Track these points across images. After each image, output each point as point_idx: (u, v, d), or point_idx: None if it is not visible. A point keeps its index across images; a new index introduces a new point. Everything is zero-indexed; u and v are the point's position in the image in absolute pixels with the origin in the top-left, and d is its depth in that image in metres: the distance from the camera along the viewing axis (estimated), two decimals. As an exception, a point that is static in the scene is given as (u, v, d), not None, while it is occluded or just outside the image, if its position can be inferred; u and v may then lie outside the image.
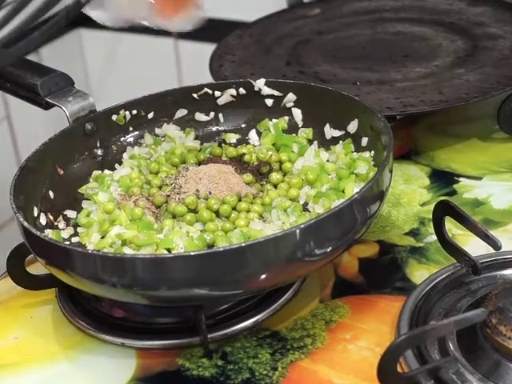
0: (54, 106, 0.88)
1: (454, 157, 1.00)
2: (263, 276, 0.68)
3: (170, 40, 1.98)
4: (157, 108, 0.92)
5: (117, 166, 0.90)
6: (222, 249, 0.66)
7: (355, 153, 0.85)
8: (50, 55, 2.00)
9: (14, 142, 1.94)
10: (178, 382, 0.72)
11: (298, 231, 0.67)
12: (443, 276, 0.77)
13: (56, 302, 0.82)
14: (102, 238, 0.78)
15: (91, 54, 2.14)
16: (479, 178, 0.95)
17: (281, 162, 0.87)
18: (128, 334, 0.76)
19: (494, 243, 0.74)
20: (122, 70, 2.10)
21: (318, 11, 1.29)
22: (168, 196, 0.82)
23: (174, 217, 0.80)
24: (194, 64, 1.95)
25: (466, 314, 0.67)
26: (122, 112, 0.91)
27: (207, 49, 1.84)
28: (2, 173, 1.90)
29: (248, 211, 0.80)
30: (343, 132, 0.88)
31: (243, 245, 0.66)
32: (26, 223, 0.72)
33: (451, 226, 0.83)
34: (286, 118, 0.92)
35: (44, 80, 0.87)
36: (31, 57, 1.88)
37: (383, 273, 0.82)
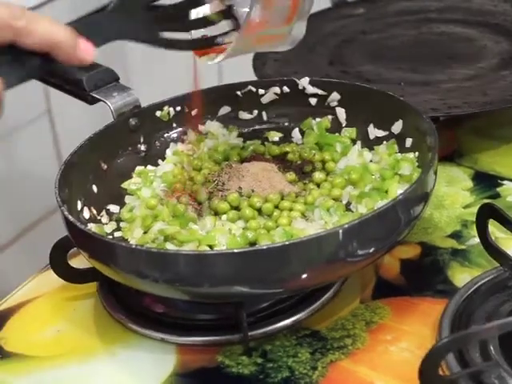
0: (98, 100, 0.88)
1: (498, 159, 0.99)
2: (305, 275, 0.68)
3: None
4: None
5: (160, 161, 0.90)
6: (265, 247, 0.66)
7: (399, 153, 0.84)
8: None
9: (55, 136, 1.96)
10: (217, 378, 0.72)
11: (341, 231, 0.67)
12: (486, 279, 0.76)
13: (97, 295, 0.82)
14: (145, 233, 0.79)
15: (132, 46, 2.14)
16: (523, 182, 0.94)
17: (324, 162, 0.87)
18: (168, 330, 0.76)
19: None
20: (163, 62, 2.11)
21: (362, 11, 1.29)
22: (211, 193, 0.83)
23: (216, 214, 0.80)
24: (234, 58, 1.95)
25: (509, 319, 0.66)
26: (166, 108, 0.91)
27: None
28: (42, 166, 1.92)
29: (290, 210, 0.80)
30: (387, 132, 0.87)
31: (286, 243, 0.66)
32: (70, 216, 0.72)
33: (494, 229, 0.82)
34: (330, 117, 0.91)
35: (90, 75, 0.88)
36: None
37: (425, 275, 0.81)
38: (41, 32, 0.61)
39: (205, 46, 0.76)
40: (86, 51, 0.65)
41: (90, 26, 0.67)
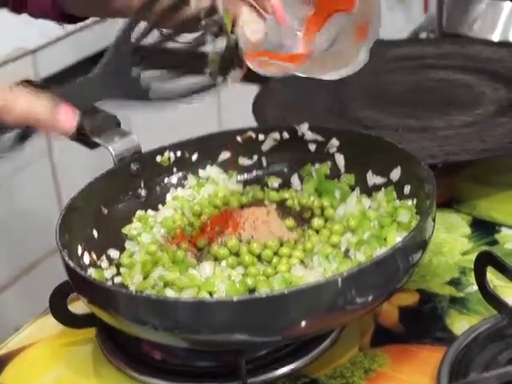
0: (100, 145, 0.89)
1: (496, 206, 1.00)
2: (304, 323, 0.68)
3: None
4: (201, 150, 0.93)
5: (160, 206, 0.91)
6: (264, 295, 0.66)
7: (397, 200, 0.85)
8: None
9: (55, 178, 1.97)
10: (216, 426, 0.72)
11: (340, 279, 0.67)
12: (484, 327, 0.76)
13: (96, 341, 0.82)
14: (145, 278, 0.79)
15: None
16: (521, 229, 0.95)
17: (323, 208, 0.88)
18: (168, 377, 0.76)
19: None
20: (162, 108, 2.12)
21: (361, 56, 1.30)
22: (210, 239, 0.83)
23: (215, 259, 0.81)
24: (234, 103, 1.96)
25: (507, 368, 0.66)
26: (166, 153, 0.92)
27: (247, 88, 1.86)
28: (43, 207, 1.93)
29: (289, 256, 0.80)
30: (386, 179, 0.88)
31: (285, 291, 0.66)
32: (71, 262, 0.73)
33: (493, 277, 0.82)
34: (329, 163, 0.92)
35: (92, 120, 0.89)
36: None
37: (423, 322, 0.81)
38: (19, 109, 0.64)
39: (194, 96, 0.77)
40: (66, 122, 0.66)
41: (76, 91, 0.68)
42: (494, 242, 0.93)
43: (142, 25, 0.71)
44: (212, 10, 0.72)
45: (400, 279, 0.72)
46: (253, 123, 1.09)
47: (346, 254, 0.81)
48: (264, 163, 0.95)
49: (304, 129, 0.93)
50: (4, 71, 1.77)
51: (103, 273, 0.81)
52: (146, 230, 0.86)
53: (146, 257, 0.81)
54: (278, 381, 0.74)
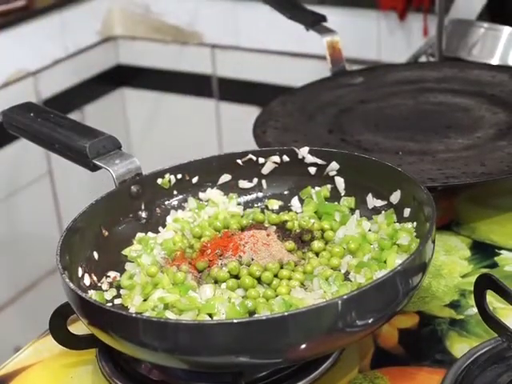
0: (101, 168, 0.89)
1: (495, 229, 1.00)
2: (304, 346, 0.68)
3: (212, 101, 2.01)
4: (201, 173, 0.94)
5: (160, 228, 0.91)
6: (264, 317, 0.66)
7: (397, 223, 0.85)
8: (93, 113, 2.04)
9: (55, 197, 1.97)
10: None
11: (340, 302, 0.67)
12: (484, 350, 0.76)
13: (96, 362, 0.82)
14: (145, 300, 0.79)
15: (133, 113, 2.18)
16: (520, 252, 0.95)
17: (323, 231, 0.88)
18: (167, 398, 0.76)
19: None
20: (163, 129, 2.13)
21: (360, 80, 1.31)
22: (210, 261, 0.83)
23: (216, 282, 0.81)
24: (234, 125, 1.98)
25: (507, 391, 0.66)
26: (167, 176, 0.92)
27: (247, 110, 1.87)
28: (42, 227, 1.93)
29: (289, 279, 0.80)
30: (385, 202, 0.88)
31: (285, 314, 0.66)
32: (71, 284, 0.73)
33: (492, 300, 0.83)
34: (329, 186, 0.92)
35: (92, 143, 0.89)
36: (74, 115, 1.92)
37: (423, 345, 0.81)
38: None
39: None
40: None
41: None
42: (494, 265, 0.93)
43: None
44: None
45: (400, 302, 0.72)
46: (253, 146, 1.09)
47: (346, 276, 0.81)
48: (264, 186, 0.95)
49: (304, 152, 0.93)
50: (5, 93, 1.78)
51: (104, 294, 0.82)
52: (147, 252, 0.86)
53: (146, 278, 0.82)
54: (277, 403, 0.75)
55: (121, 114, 2.17)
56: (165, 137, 2.13)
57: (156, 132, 2.16)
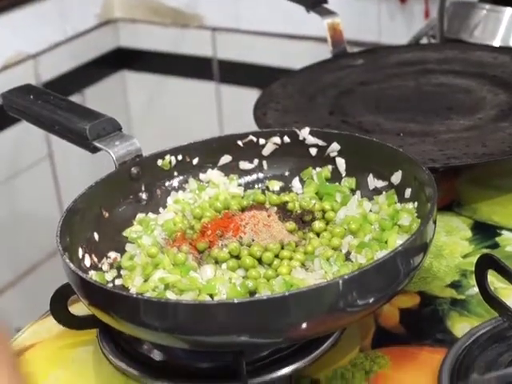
0: (101, 150, 0.89)
1: (497, 209, 1.00)
2: (305, 325, 0.68)
3: (212, 84, 2.01)
4: (202, 154, 0.94)
5: (161, 209, 0.91)
6: (265, 297, 0.66)
7: (398, 204, 0.85)
8: (94, 96, 2.04)
9: (55, 180, 1.97)
10: (216, 428, 0.72)
11: (341, 282, 0.67)
12: (485, 330, 0.77)
13: (97, 342, 0.82)
14: (145, 281, 0.79)
15: (134, 96, 2.17)
16: (522, 232, 0.95)
17: (324, 211, 0.88)
18: (168, 378, 0.76)
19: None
20: (164, 112, 2.13)
21: (361, 61, 1.30)
22: (211, 242, 0.83)
23: (216, 262, 0.81)
24: (234, 108, 1.97)
25: (508, 370, 0.66)
26: (167, 157, 0.92)
27: (248, 93, 1.87)
28: (43, 210, 1.93)
29: (290, 259, 0.80)
30: (386, 183, 0.88)
31: (286, 294, 0.66)
32: (71, 265, 0.73)
33: (493, 280, 0.83)
34: (330, 167, 0.92)
35: (93, 125, 0.89)
36: (75, 97, 1.91)
37: (424, 324, 0.81)
38: None
39: None
40: None
41: None
42: (495, 245, 0.93)
43: None
44: None
45: (401, 282, 0.72)
46: (253, 126, 1.09)
47: (347, 256, 0.81)
48: (265, 167, 0.95)
49: (305, 133, 0.93)
50: (5, 75, 1.78)
51: (104, 275, 0.81)
52: (147, 233, 0.86)
53: (147, 259, 0.81)
54: (278, 382, 0.74)
55: (121, 96, 2.17)
56: (165, 119, 2.13)
57: (156, 115, 2.15)
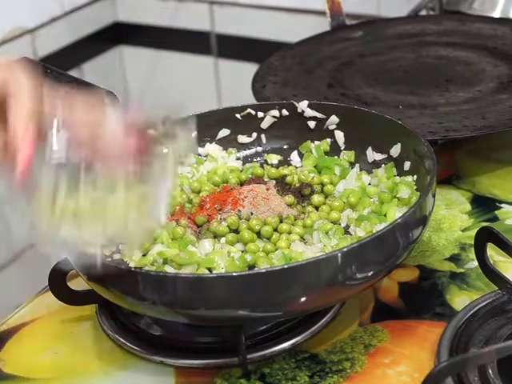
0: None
1: (496, 182, 0.99)
2: (304, 299, 0.68)
3: (210, 58, 2.00)
4: (200, 127, 0.93)
5: (159, 184, 0.90)
6: (264, 270, 0.66)
7: (397, 177, 0.85)
8: (92, 71, 2.03)
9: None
10: (216, 401, 0.72)
11: (340, 255, 0.67)
12: (484, 303, 0.76)
13: (96, 317, 0.82)
14: (144, 255, 0.79)
15: (131, 71, 2.16)
16: (521, 205, 0.95)
17: (322, 185, 0.87)
18: (167, 352, 0.76)
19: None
20: (162, 87, 2.12)
21: (360, 34, 1.29)
22: (209, 216, 0.83)
23: (215, 236, 0.81)
24: (233, 82, 1.96)
25: (507, 343, 0.66)
26: (166, 131, 0.91)
27: (246, 67, 1.86)
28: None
29: (289, 233, 0.80)
30: (386, 155, 0.88)
31: (285, 267, 0.66)
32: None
33: (493, 253, 0.82)
34: (329, 140, 0.92)
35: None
36: (73, 72, 1.90)
37: (423, 298, 0.81)
38: None
39: None
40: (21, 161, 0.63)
41: None
42: (495, 219, 0.92)
43: None
44: None
45: (400, 255, 0.72)
46: (252, 100, 1.08)
47: (346, 230, 0.81)
48: (263, 140, 0.95)
49: (303, 106, 0.92)
50: (2, 50, 1.77)
51: (103, 250, 0.81)
52: (146, 207, 0.86)
53: (146, 233, 0.81)
54: (277, 356, 0.75)
55: (119, 71, 2.15)
56: (163, 94, 2.11)
57: (154, 89, 2.14)
